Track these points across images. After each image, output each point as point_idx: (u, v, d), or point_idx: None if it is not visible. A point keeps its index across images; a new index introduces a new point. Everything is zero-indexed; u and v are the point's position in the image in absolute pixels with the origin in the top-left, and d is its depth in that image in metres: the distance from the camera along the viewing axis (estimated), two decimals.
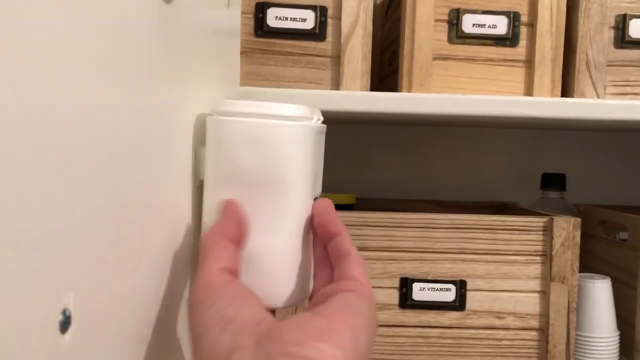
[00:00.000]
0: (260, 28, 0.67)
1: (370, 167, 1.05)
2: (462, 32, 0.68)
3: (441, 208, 1.00)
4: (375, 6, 0.90)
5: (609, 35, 0.68)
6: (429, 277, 0.73)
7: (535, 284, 0.73)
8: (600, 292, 0.76)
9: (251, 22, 0.67)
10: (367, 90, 0.68)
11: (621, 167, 1.06)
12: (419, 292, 0.73)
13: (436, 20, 0.68)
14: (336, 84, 0.68)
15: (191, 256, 0.41)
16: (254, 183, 0.39)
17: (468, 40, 0.68)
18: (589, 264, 0.92)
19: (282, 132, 0.39)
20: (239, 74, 0.61)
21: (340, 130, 1.03)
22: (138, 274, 0.31)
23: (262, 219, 0.39)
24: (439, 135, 1.05)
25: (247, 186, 0.39)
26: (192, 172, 0.41)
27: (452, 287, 0.73)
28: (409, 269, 0.73)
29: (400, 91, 0.69)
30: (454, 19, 0.68)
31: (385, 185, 1.05)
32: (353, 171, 1.04)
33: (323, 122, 0.43)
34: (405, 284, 0.73)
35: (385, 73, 0.86)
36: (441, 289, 0.73)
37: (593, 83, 0.68)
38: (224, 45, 0.52)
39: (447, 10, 0.68)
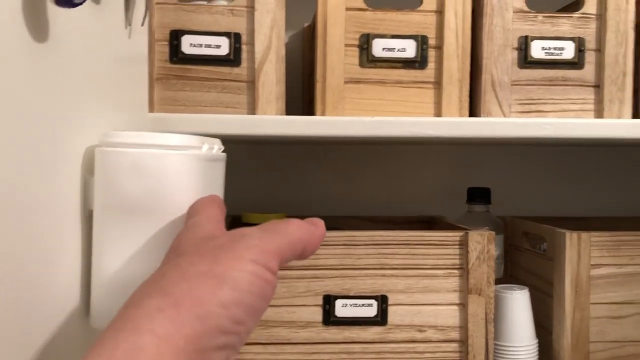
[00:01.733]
0: (175, 55, 0.69)
1: (303, 185, 1.07)
2: (373, 56, 0.70)
3: (372, 224, 1.02)
4: (304, 29, 0.93)
5: (512, 56, 0.72)
6: (351, 294, 0.74)
7: (454, 297, 0.75)
8: (517, 303, 0.78)
9: (166, 49, 0.69)
10: (282, 114, 0.70)
11: (546, 179, 1.10)
12: (342, 308, 0.74)
13: (347, 45, 0.70)
14: (252, 108, 0.69)
15: (82, 285, 0.42)
16: (139, 212, 0.40)
17: (379, 64, 0.71)
18: (515, 274, 0.95)
19: (165, 161, 0.40)
20: (149, 100, 0.62)
21: (270, 149, 1.05)
22: (21, 306, 0.32)
23: (147, 246, 0.40)
24: (369, 152, 1.08)
25: (132, 215, 0.40)
26: (81, 203, 0.42)
27: (374, 303, 0.74)
28: (332, 286, 0.74)
29: (316, 114, 0.70)
30: (365, 43, 0.70)
31: (317, 203, 1.07)
32: (285, 190, 1.06)
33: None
34: (328, 301, 0.74)
35: (312, 94, 0.88)
36: (363, 305, 0.74)
37: (499, 102, 0.71)
38: (127, 73, 0.53)
39: (357, 35, 0.70)
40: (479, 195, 0.97)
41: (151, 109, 0.67)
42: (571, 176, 1.10)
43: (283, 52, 0.69)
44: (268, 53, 0.68)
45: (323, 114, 0.70)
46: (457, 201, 1.08)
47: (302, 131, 0.66)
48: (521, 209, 1.10)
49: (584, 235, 0.77)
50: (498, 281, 0.95)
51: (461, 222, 0.96)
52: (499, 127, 0.69)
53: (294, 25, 0.93)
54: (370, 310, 0.74)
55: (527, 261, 0.90)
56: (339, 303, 0.74)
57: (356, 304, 0.74)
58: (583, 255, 0.77)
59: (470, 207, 0.97)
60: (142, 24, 0.54)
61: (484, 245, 0.75)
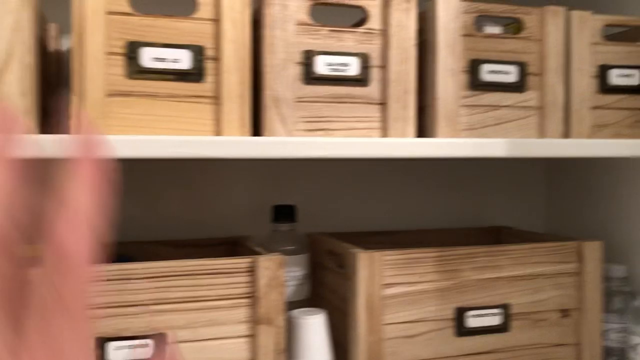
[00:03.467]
0: None
1: None
2: (141, 66, 0.63)
3: (173, 249, 0.94)
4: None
5: (295, 71, 0.68)
6: (127, 334, 0.66)
7: (242, 329, 0.70)
8: (312, 328, 0.75)
9: None
10: (33, 131, 0.59)
11: (356, 193, 1.09)
12: (115, 351, 0.66)
13: (110, 54, 0.62)
14: None
15: None
16: None
17: (148, 75, 0.63)
18: (321, 294, 0.92)
19: None
20: None
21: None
22: None
23: None
24: (169, 170, 0.99)
25: None
26: None
27: (151, 343, 0.66)
28: (105, 327, 0.65)
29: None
30: (131, 52, 0.62)
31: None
32: None
33: None
34: (101, 345, 0.65)
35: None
36: (138, 346, 0.66)
37: (282, 120, 0.67)
38: None
39: (122, 43, 0.62)
40: (283, 213, 0.93)
41: None
42: (380, 189, 1.10)
43: (31, 59, 0.59)
44: (9, 61, 0.58)
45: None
46: (263, 219, 1.03)
47: (52, 152, 0.56)
48: (332, 225, 1.08)
49: (377, 254, 0.76)
50: (302, 302, 0.91)
51: (266, 242, 0.91)
52: (281, 147, 0.64)
53: None
54: (146, 351, 0.66)
55: (331, 280, 0.88)
56: (112, 346, 0.65)
57: (131, 346, 0.66)
58: (376, 275, 0.76)
59: (275, 226, 0.93)
60: None
61: (273, 271, 0.70)
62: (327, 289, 0.89)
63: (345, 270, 0.80)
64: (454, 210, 1.15)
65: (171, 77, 0.64)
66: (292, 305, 0.86)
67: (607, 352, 0.90)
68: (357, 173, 1.09)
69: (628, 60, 0.83)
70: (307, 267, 0.92)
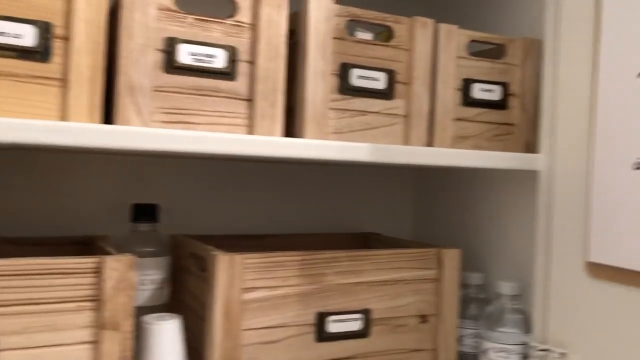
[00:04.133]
0: None
1: None
2: None
3: (20, 247, 0.85)
4: None
5: (155, 58, 0.64)
6: None
7: (85, 334, 0.64)
8: (165, 334, 0.70)
9: None
10: None
11: (225, 194, 1.06)
12: None
13: None
14: None
15: None
16: None
17: None
18: (182, 298, 0.87)
19: None
20: None
21: None
22: None
23: None
24: (13, 159, 0.91)
25: None
26: None
27: None
28: None
29: None
30: None
31: None
32: None
33: None
34: None
35: None
36: None
37: (138, 109, 0.62)
38: None
39: None
40: (143, 213, 0.87)
41: None
42: (251, 192, 1.08)
43: None
44: None
45: None
46: (123, 218, 0.97)
47: None
48: (201, 227, 1.03)
49: (237, 257, 0.73)
50: (161, 307, 0.86)
51: (124, 243, 0.85)
52: (134, 137, 0.60)
53: None
54: None
55: (193, 285, 0.84)
56: None
57: None
58: (235, 279, 0.73)
59: (135, 226, 0.87)
60: None
61: (122, 272, 0.65)
62: (189, 294, 0.85)
63: (206, 274, 0.76)
64: (325, 216, 1.14)
65: (12, 53, 0.57)
66: (150, 310, 0.81)
67: (462, 357, 0.93)
68: (228, 174, 1.06)
69: (490, 76, 0.87)
70: (168, 270, 0.87)
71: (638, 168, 0.72)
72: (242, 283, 0.73)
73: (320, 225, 1.14)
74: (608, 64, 0.77)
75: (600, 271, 0.77)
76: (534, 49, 0.90)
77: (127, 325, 0.65)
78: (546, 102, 0.88)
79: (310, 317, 0.78)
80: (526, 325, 0.87)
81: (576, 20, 0.83)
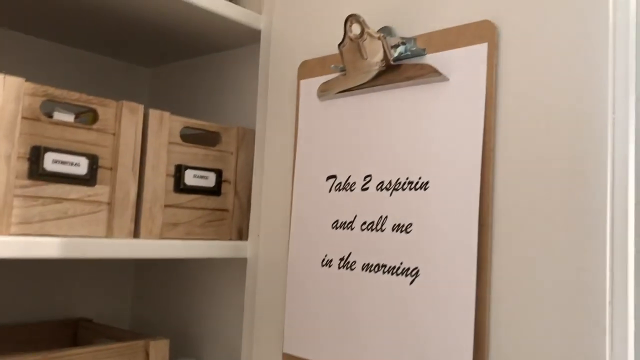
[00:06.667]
0: None
1: None
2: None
3: None
4: None
5: None
6: None
7: None
8: None
9: None
10: None
11: None
12: None
13: None
14: None
15: None
16: None
17: None
18: None
19: None
20: None
21: None
22: None
23: None
24: None
25: None
26: None
27: None
28: None
29: None
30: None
31: None
32: None
33: None
34: None
35: None
36: None
37: None
38: None
39: None
40: None
41: None
42: None
43: None
44: None
45: None
46: None
47: None
48: None
49: None
50: None
51: None
52: None
53: None
54: None
55: None
56: None
57: None
58: None
59: None
60: None
61: None
62: None
63: None
64: (40, 304, 1.02)
65: None
66: None
67: None
68: None
69: (205, 163, 0.88)
70: None
71: (325, 265, 0.77)
72: None
73: (35, 314, 1.02)
74: (301, 164, 0.82)
75: None
76: (247, 138, 0.93)
77: None
78: (255, 190, 0.91)
79: None
80: None
81: (280, 116, 0.88)
